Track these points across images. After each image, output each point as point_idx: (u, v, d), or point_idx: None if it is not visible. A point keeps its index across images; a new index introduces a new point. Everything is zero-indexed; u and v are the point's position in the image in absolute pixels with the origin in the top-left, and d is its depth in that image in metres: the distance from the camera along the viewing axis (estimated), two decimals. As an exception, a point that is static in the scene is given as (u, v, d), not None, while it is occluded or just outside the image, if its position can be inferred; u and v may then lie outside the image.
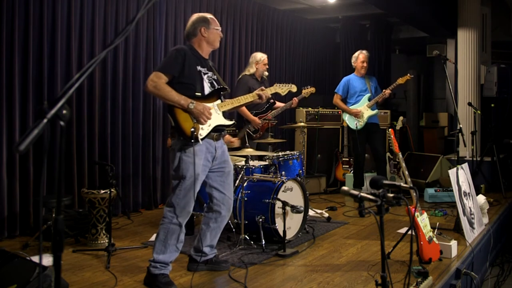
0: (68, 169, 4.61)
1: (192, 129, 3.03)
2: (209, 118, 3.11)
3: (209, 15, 3.31)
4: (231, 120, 3.32)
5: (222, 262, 3.49)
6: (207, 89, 3.22)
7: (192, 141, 3.02)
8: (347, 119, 5.64)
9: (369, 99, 5.56)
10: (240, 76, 5.35)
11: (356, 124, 5.51)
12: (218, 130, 3.23)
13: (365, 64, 5.57)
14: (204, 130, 3.12)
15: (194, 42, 3.26)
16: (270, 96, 3.57)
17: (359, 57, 5.58)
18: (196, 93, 3.14)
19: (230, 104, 3.33)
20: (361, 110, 5.53)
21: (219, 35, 3.30)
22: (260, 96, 3.45)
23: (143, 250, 3.92)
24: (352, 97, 5.62)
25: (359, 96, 5.59)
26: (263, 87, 3.53)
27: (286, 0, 7.57)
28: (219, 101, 3.27)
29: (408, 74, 5.59)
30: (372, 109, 5.56)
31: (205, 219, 3.39)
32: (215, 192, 3.32)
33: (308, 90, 5.46)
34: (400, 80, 5.55)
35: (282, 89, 3.79)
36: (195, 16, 3.31)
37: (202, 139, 3.10)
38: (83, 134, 4.72)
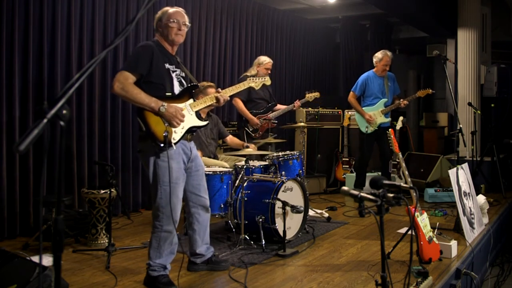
0: (68, 169, 4.61)
1: (165, 133, 2.86)
2: (182, 121, 2.94)
3: (170, 9, 3.06)
4: (206, 120, 3.19)
5: (222, 261, 3.48)
6: (177, 88, 3.04)
7: (166, 145, 2.86)
8: (358, 120, 5.52)
9: (385, 105, 5.43)
10: (241, 77, 5.34)
11: (366, 128, 5.43)
12: (191, 131, 3.10)
13: (387, 68, 5.42)
14: (177, 133, 2.96)
15: (158, 38, 3.08)
16: (228, 98, 3.38)
17: (383, 59, 5.36)
18: (166, 93, 2.96)
19: (203, 103, 3.16)
20: (375, 116, 5.40)
21: (174, 28, 3.00)
22: (217, 99, 3.25)
23: (143, 250, 3.91)
24: (368, 98, 5.48)
25: (375, 99, 5.45)
26: (219, 89, 3.36)
27: (286, 0, 7.57)
28: (191, 100, 3.09)
29: (430, 89, 5.52)
30: (386, 116, 5.45)
31: (188, 225, 3.35)
32: (191, 195, 3.24)
33: (312, 95, 5.42)
34: (420, 93, 5.48)
35: (256, 82, 3.64)
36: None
37: (175, 143, 2.95)
38: (83, 134, 4.72)
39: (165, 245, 3.06)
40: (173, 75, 3.06)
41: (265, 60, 5.21)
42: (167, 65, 3.02)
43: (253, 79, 3.66)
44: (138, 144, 3.10)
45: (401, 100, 5.45)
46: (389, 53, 5.42)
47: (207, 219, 3.36)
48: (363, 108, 5.48)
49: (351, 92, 5.58)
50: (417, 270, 3.15)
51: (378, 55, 5.44)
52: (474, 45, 6.98)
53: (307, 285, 3.20)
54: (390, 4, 6.51)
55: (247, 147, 4.44)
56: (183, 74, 3.16)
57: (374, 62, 5.48)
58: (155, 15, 5.59)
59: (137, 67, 2.89)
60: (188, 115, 3.05)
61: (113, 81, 2.84)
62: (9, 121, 4.16)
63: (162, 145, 2.87)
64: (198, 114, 3.16)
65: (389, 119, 5.52)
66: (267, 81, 3.75)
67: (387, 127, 5.49)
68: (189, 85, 3.13)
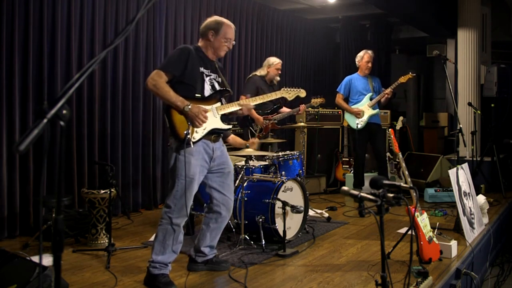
0: (68, 169, 4.61)
1: (186, 132, 2.99)
2: (204, 122, 3.05)
3: (226, 22, 3.24)
4: (229, 124, 3.28)
5: (222, 262, 3.49)
6: (207, 91, 3.18)
7: (184, 142, 2.98)
8: (348, 118, 5.60)
9: (371, 99, 5.51)
10: (250, 75, 5.36)
11: (357, 124, 5.49)
12: (215, 133, 3.19)
13: (369, 65, 5.53)
14: (198, 133, 3.07)
15: (202, 43, 3.25)
16: (253, 107, 3.48)
17: (364, 56, 5.52)
18: (196, 95, 3.11)
19: (229, 107, 3.27)
20: (362, 110, 5.49)
21: (226, 47, 3.22)
22: (241, 108, 3.32)
23: (143, 250, 3.92)
24: (354, 96, 5.57)
25: (361, 96, 5.54)
26: (243, 96, 3.47)
27: (286, 0, 7.57)
28: (219, 104, 3.23)
29: (410, 73, 5.55)
30: (374, 109, 5.52)
31: (205, 220, 3.39)
32: (215, 192, 3.30)
33: (318, 100, 5.44)
34: (402, 79, 5.51)
35: (289, 93, 3.71)
36: (212, 17, 3.27)
37: (194, 143, 3.05)
38: (83, 134, 4.72)
39: (170, 240, 3.08)
40: (206, 78, 3.19)
41: (275, 61, 5.30)
42: (201, 69, 3.17)
43: (287, 90, 3.75)
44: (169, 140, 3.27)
45: (384, 91, 5.47)
46: (369, 51, 5.58)
47: (225, 221, 3.40)
48: (351, 106, 5.57)
49: (337, 94, 5.68)
50: (417, 270, 3.15)
51: (360, 54, 5.61)
52: (474, 45, 6.98)
53: (307, 285, 3.20)
54: (390, 4, 6.51)
55: (247, 147, 4.43)
56: (219, 79, 3.28)
57: (357, 62, 5.64)
58: (155, 15, 5.62)
59: (171, 67, 3.06)
60: (213, 117, 3.16)
61: (148, 78, 3.04)
62: (9, 121, 4.15)
63: (182, 141, 3.00)
64: (223, 118, 3.24)
65: (377, 111, 5.56)
66: (302, 93, 3.80)
67: (378, 124, 5.56)
68: (218, 89, 3.23)
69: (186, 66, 3.07)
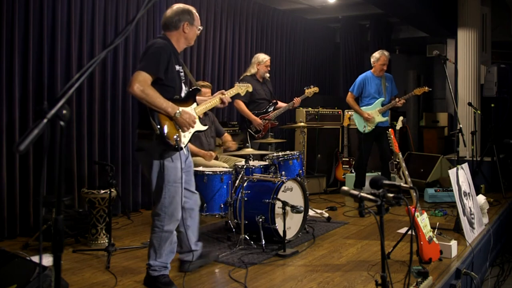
0: (68, 169, 4.61)
1: (176, 137, 2.89)
2: (192, 127, 3.01)
3: (193, 9, 3.10)
4: (205, 125, 3.23)
5: (209, 252, 3.53)
6: (183, 91, 3.09)
7: (178, 148, 2.89)
8: (357, 119, 5.56)
9: (382, 104, 5.46)
10: (241, 77, 5.36)
11: (364, 127, 5.46)
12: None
13: (384, 67, 5.46)
14: (186, 138, 3.02)
15: (172, 36, 3.03)
16: (230, 100, 3.46)
17: (380, 59, 5.42)
18: (175, 96, 2.98)
19: (203, 108, 3.23)
20: (373, 115, 5.43)
21: (197, 35, 3.15)
22: (222, 101, 3.33)
23: (143, 250, 3.91)
24: (366, 98, 5.52)
25: (373, 99, 5.48)
26: (223, 91, 3.42)
27: (286, 0, 7.57)
28: (195, 105, 3.15)
29: (426, 87, 5.52)
30: (384, 115, 5.47)
31: (180, 221, 3.24)
32: (185, 191, 3.21)
33: (311, 90, 5.45)
34: (417, 91, 5.48)
35: (241, 88, 3.70)
36: (178, 6, 3.05)
37: (184, 146, 3.02)
38: (83, 134, 4.72)
39: (166, 245, 3.06)
40: (181, 75, 3.08)
41: (264, 58, 5.29)
42: (177, 67, 3.03)
43: (239, 85, 3.72)
44: (138, 142, 3.04)
45: (396, 99, 5.45)
46: (386, 53, 5.47)
47: (198, 213, 3.40)
48: (361, 108, 5.51)
49: (349, 93, 5.64)
50: (417, 270, 3.15)
51: (376, 55, 5.49)
52: (474, 45, 6.98)
53: (307, 285, 3.20)
54: (390, 4, 6.50)
55: (247, 146, 4.44)
56: (183, 71, 3.17)
57: (371, 62, 5.54)
58: (155, 15, 5.62)
59: (157, 69, 2.84)
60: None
61: (131, 81, 2.77)
62: (9, 121, 4.15)
63: (173, 147, 2.89)
64: (200, 118, 3.19)
65: (386, 118, 5.53)
66: (249, 87, 3.80)
67: (386, 127, 5.51)
68: (192, 88, 3.17)
69: (168, 66, 2.89)
